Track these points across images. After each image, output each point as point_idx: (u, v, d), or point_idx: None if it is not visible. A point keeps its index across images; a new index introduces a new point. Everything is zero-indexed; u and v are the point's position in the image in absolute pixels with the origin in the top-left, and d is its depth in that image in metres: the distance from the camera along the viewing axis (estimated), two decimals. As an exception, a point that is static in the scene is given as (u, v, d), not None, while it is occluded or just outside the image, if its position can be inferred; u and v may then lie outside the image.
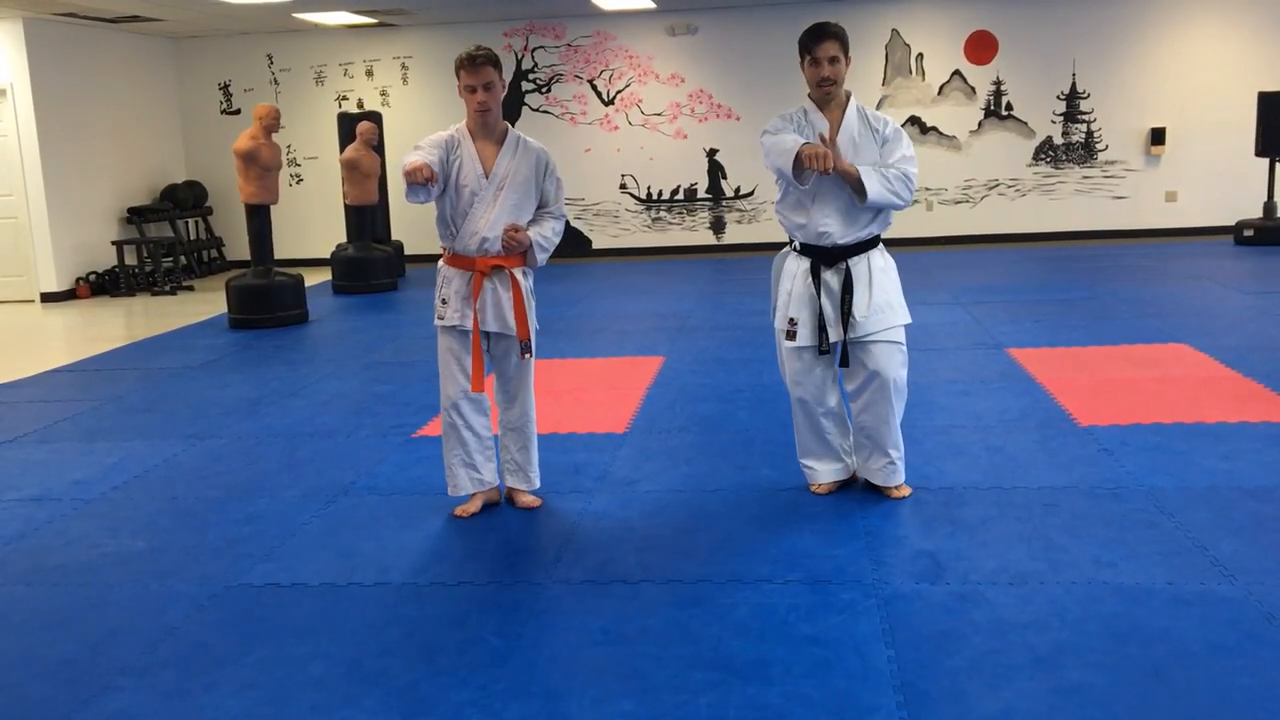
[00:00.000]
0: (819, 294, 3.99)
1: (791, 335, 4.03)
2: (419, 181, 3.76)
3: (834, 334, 3.99)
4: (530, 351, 4.07)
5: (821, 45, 3.88)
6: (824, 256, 4.00)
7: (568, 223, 12.42)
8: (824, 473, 4.22)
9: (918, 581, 3.41)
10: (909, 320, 4.06)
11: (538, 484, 4.26)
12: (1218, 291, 8.43)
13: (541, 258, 4.07)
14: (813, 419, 4.14)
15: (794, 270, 4.07)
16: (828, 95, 3.94)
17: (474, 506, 4.16)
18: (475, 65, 3.87)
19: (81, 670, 3.07)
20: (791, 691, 2.78)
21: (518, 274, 4.04)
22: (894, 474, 4.13)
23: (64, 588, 3.68)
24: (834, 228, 3.95)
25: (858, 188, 3.84)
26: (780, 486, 4.36)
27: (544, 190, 4.07)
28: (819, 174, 3.79)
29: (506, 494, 4.29)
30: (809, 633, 3.10)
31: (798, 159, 3.75)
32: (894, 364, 3.99)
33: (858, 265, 3.99)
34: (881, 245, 4.09)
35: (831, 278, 4.00)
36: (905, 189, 3.88)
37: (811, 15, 11.55)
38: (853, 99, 4.00)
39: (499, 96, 3.95)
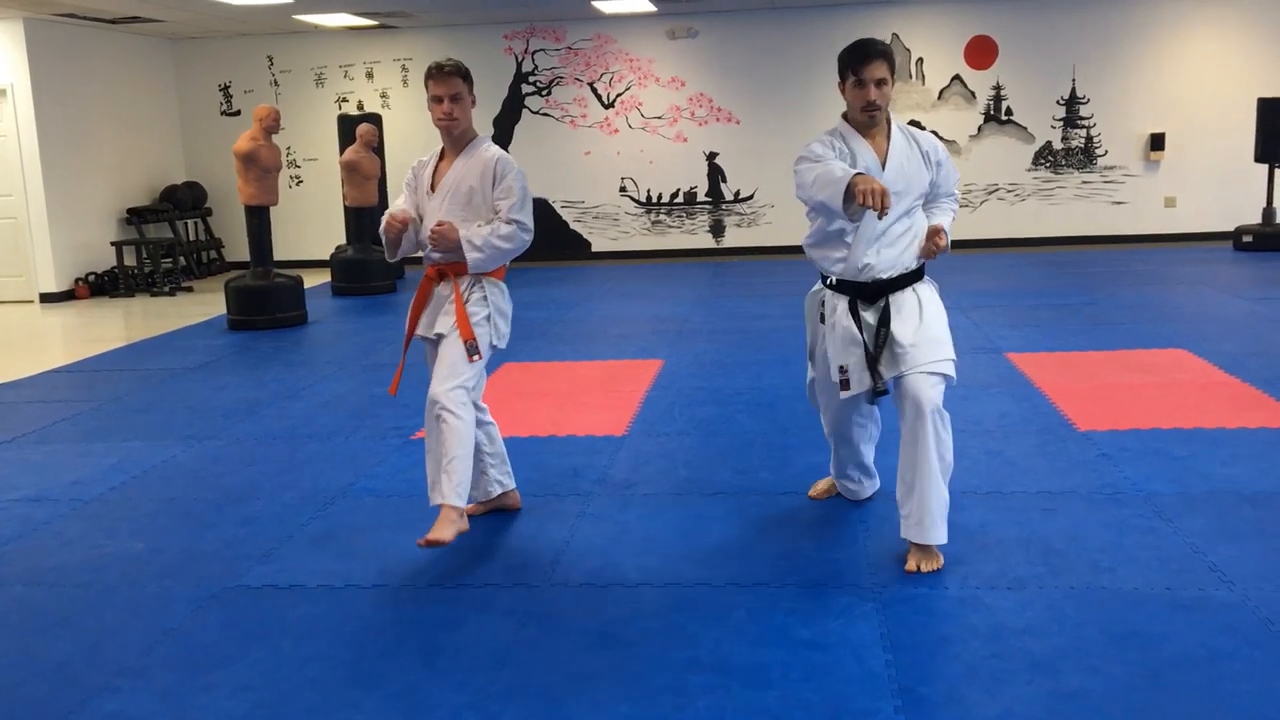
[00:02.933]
0: (861, 332, 3.58)
1: (845, 385, 3.62)
2: (392, 235, 3.82)
3: (888, 371, 3.56)
4: (478, 353, 3.75)
5: (869, 66, 3.48)
6: (863, 292, 3.60)
7: (567, 226, 12.49)
8: (867, 489, 4.14)
9: (916, 586, 3.41)
10: (955, 357, 3.59)
11: (442, 500, 3.67)
12: (1217, 297, 8.43)
13: (474, 258, 3.72)
14: (852, 447, 3.98)
15: (832, 309, 3.66)
16: (872, 120, 3.54)
17: (473, 508, 4.15)
18: (442, 74, 3.75)
19: (79, 671, 3.07)
20: (790, 696, 2.78)
21: (465, 281, 3.81)
22: (919, 529, 3.52)
23: (62, 588, 3.67)
24: (876, 259, 3.55)
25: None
26: (779, 490, 4.36)
27: (495, 200, 3.80)
28: (872, 221, 3.44)
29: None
30: (807, 637, 3.10)
31: (849, 192, 3.24)
32: (938, 397, 3.49)
33: (901, 297, 3.59)
34: (927, 276, 3.70)
35: (870, 315, 3.59)
36: (955, 205, 3.77)
37: (812, 19, 11.65)
38: (894, 121, 3.63)
39: (467, 109, 3.82)
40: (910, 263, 3.60)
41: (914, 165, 3.57)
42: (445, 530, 3.62)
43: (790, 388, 6.02)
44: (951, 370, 3.57)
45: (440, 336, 3.82)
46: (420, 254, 3.92)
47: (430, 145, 4.11)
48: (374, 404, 6.02)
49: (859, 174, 3.27)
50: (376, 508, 4.35)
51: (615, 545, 3.85)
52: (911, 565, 3.51)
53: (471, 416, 3.77)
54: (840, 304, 3.64)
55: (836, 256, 3.61)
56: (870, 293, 3.59)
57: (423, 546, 3.61)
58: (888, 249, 3.56)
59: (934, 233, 3.60)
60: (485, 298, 3.84)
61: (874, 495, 4.18)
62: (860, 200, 3.17)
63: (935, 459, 3.47)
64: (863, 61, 3.48)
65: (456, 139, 3.85)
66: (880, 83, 3.48)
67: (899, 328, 3.54)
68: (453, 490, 3.67)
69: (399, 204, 3.97)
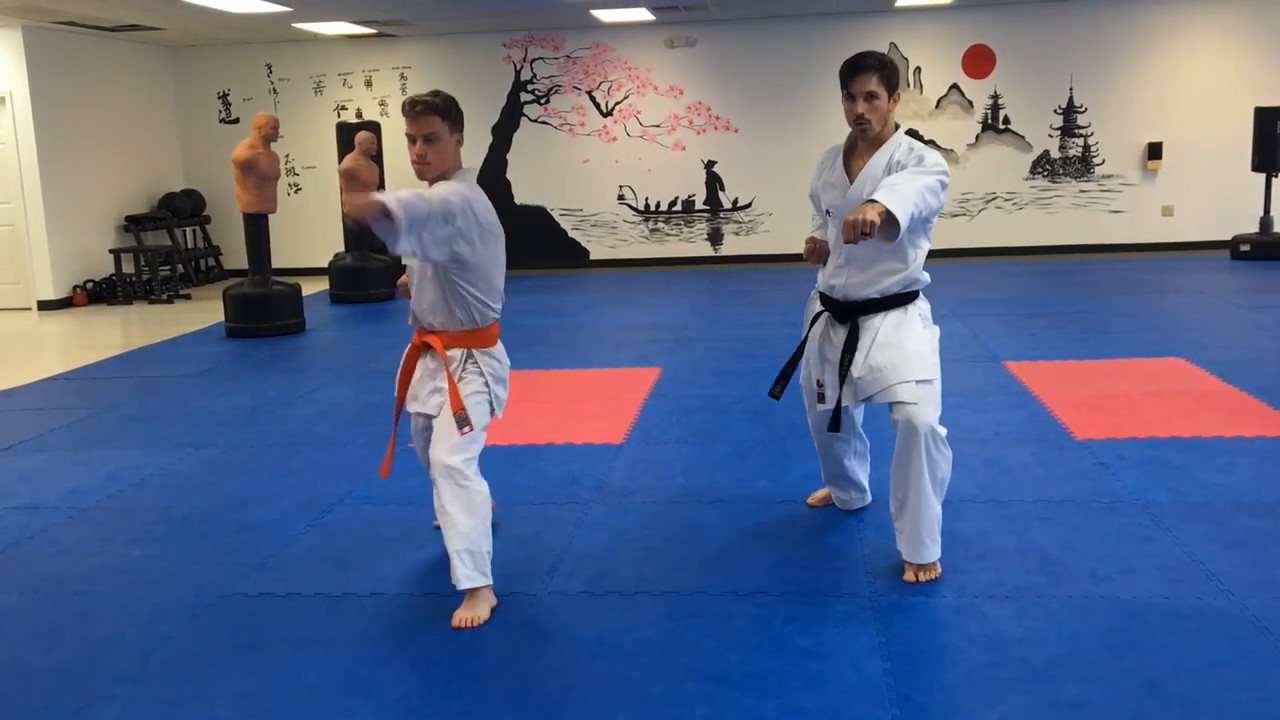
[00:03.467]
0: (825, 348, 3.68)
1: (821, 398, 3.72)
2: (404, 294, 3.63)
3: (852, 395, 3.57)
4: (469, 425, 3.35)
5: (856, 79, 3.39)
6: (833, 309, 3.64)
7: (565, 233, 12.50)
8: (852, 500, 4.14)
9: (914, 594, 3.41)
10: (926, 376, 3.45)
11: (458, 583, 3.32)
12: (1214, 306, 8.44)
13: (402, 227, 3.02)
14: (831, 456, 4.03)
15: (814, 318, 3.75)
16: (864, 134, 3.47)
17: None
18: (414, 113, 3.28)
19: (75, 679, 3.06)
20: (787, 704, 2.77)
21: (455, 354, 3.44)
22: (909, 546, 3.52)
23: (58, 596, 3.66)
24: (843, 280, 3.57)
25: (890, 223, 3.16)
26: (777, 498, 4.36)
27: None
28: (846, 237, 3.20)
29: None
30: (805, 645, 3.09)
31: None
32: (911, 422, 3.40)
33: (868, 322, 3.55)
34: (918, 300, 3.60)
35: (837, 335, 3.62)
36: (927, 179, 3.28)
37: (809, 28, 11.67)
38: (898, 136, 3.48)
39: (445, 151, 3.34)
40: (886, 289, 3.53)
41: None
42: (480, 609, 3.34)
43: (788, 396, 5.97)
44: (910, 395, 3.41)
45: (430, 417, 3.47)
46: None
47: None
48: (372, 412, 6.02)
49: (809, 240, 3.68)
50: (374, 516, 4.34)
51: (613, 553, 3.85)
52: (909, 576, 3.51)
53: (482, 484, 3.40)
54: (822, 316, 3.71)
55: (819, 266, 3.73)
56: (839, 311, 3.61)
57: (455, 628, 3.30)
58: (857, 273, 3.54)
59: (861, 210, 3.14)
60: (480, 371, 3.45)
61: (868, 506, 4.18)
62: (844, 236, 3.14)
63: (926, 479, 3.43)
64: (852, 73, 3.41)
65: (433, 184, 3.36)
66: (870, 96, 3.38)
67: (859, 355, 3.52)
68: (478, 572, 3.34)
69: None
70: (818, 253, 3.67)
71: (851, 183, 3.48)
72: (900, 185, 3.22)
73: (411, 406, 3.57)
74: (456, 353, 3.44)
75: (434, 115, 3.30)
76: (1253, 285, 9.42)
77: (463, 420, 3.34)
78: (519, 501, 4.36)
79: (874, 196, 3.18)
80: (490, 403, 3.49)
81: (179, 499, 4.65)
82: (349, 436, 5.54)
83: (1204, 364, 6.34)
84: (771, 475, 4.65)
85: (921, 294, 3.62)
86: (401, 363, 3.62)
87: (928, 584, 3.47)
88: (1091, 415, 5.34)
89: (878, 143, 3.48)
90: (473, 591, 3.35)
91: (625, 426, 5.52)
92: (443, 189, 3.27)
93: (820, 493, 4.26)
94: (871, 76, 3.38)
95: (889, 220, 3.14)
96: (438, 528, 4.10)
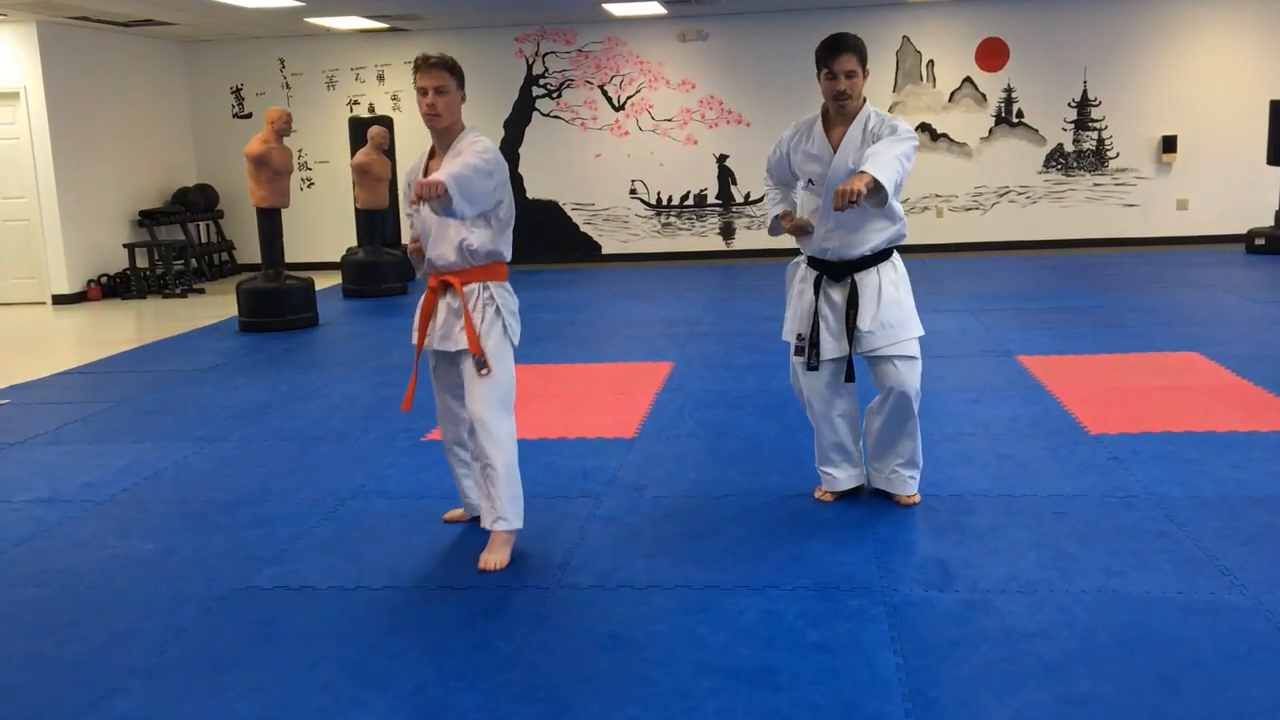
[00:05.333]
0: (823, 307, 3.96)
1: (800, 351, 4.02)
2: (417, 257, 3.85)
3: (836, 349, 3.94)
4: (486, 367, 3.67)
5: (838, 59, 3.76)
6: (829, 270, 3.96)
7: (577, 228, 12.50)
8: (843, 480, 4.19)
9: (926, 589, 3.41)
10: (921, 332, 3.97)
11: (509, 525, 3.72)
12: (1229, 300, 8.40)
13: (460, 202, 3.45)
14: (829, 424, 4.11)
15: (802, 279, 4.06)
16: (842, 109, 3.83)
17: (462, 515, 4.16)
18: (429, 66, 3.64)
19: (90, 672, 3.08)
20: (799, 698, 2.77)
21: (471, 289, 3.72)
22: (910, 483, 4.12)
23: (73, 589, 3.69)
24: (835, 243, 3.90)
25: (875, 190, 3.55)
26: (788, 492, 4.36)
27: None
28: (829, 202, 3.71)
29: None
30: (817, 640, 3.09)
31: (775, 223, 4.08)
32: (912, 377, 3.93)
33: (865, 279, 3.91)
34: (895, 256, 4.00)
35: (836, 292, 3.95)
36: (904, 145, 3.65)
37: (822, 21, 11.63)
38: (867, 108, 3.86)
39: (453, 104, 3.67)
40: (877, 245, 3.89)
41: (863, 154, 3.72)
42: (504, 553, 3.73)
43: (789, 393, 6.00)
44: (915, 350, 3.94)
45: (458, 352, 3.74)
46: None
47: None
48: (385, 406, 6.03)
49: (783, 215, 4.02)
50: (387, 510, 4.36)
51: (625, 547, 3.85)
52: (910, 501, 4.12)
53: (512, 428, 3.75)
54: (809, 277, 4.00)
55: (804, 238, 4.01)
56: (837, 272, 3.93)
57: (483, 570, 3.68)
58: (848, 234, 3.87)
59: (850, 181, 3.50)
60: (498, 307, 3.73)
61: (858, 489, 4.21)
62: (788, 230, 4.00)
63: (916, 429, 4.02)
64: (833, 54, 3.76)
65: (442, 134, 3.72)
66: (849, 74, 3.76)
67: (865, 311, 3.88)
68: (519, 517, 3.76)
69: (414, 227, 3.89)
70: (799, 227, 3.99)
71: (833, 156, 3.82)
72: (882, 154, 3.59)
73: (442, 345, 3.77)
74: (474, 287, 3.74)
75: (444, 69, 3.65)
76: (1268, 279, 9.37)
77: (481, 363, 3.68)
78: (531, 495, 4.35)
79: (861, 168, 3.55)
80: (510, 341, 3.78)
81: (193, 493, 4.68)
82: (362, 430, 5.55)
83: (1219, 358, 6.31)
84: (783, 470, 4.65)
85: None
86: (420, 305, 3.83)
87: (940, 578, 3.47)
88: (1105, 410, 5.33)
89: (851, 115, 3.83)
90: (501, 537, 3.72)
91: (637, 421, 5.52)
92: (473, 151, 3.60)
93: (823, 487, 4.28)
94: (851, 56, 3.76)
95: (875, 189, 3.53)
96: (447, 521, 4.13)
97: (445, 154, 3.71)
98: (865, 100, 3.89)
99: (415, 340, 3.86)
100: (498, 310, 3.73)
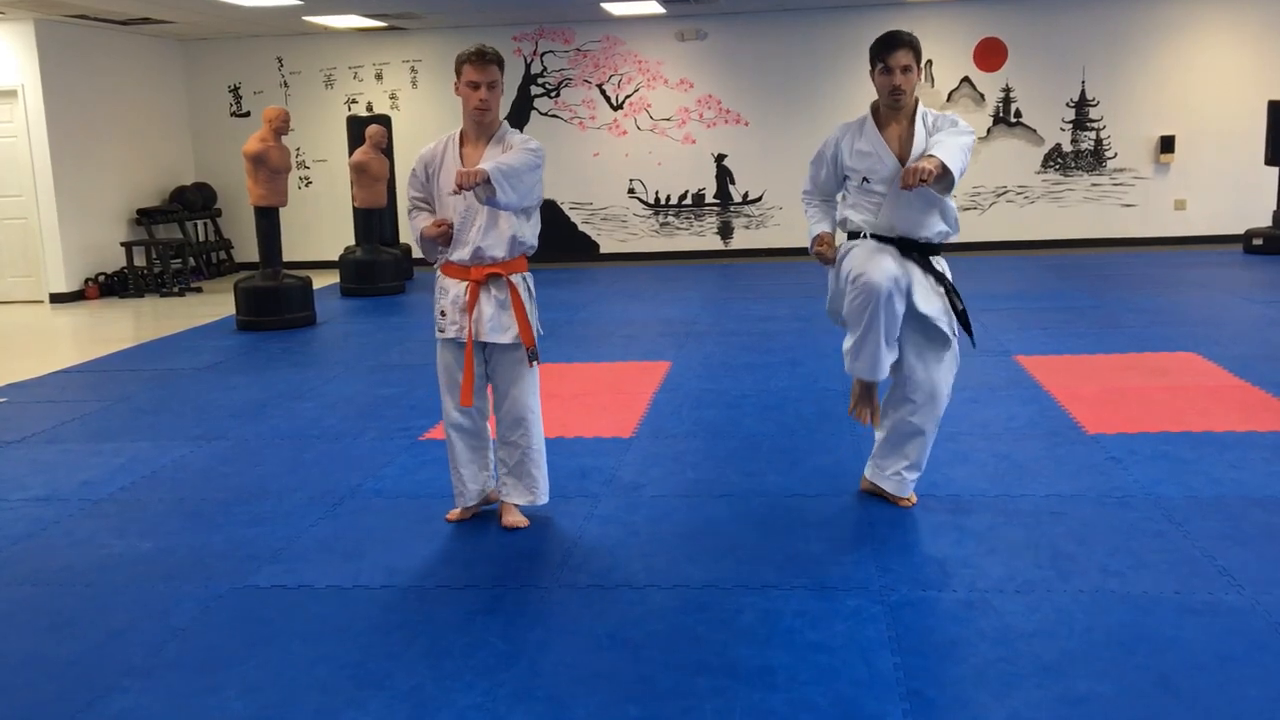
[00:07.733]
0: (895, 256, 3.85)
1: (862, 235, 3.90)
2: (443, 241, 3.86)
3: (913, 307, 3.83)
4: (536, 358, 3.95)
5: (895, 54, 3.77)
6: (900, 245, 3.89)
7: (575, 227, 12.50)
8: (885, 363, 3.91)
9: (924, 589, 3.41)
10: (954, 333, 3.96)
11: (544, 499, 4.10)
12: (1226, 300, 8.40)
13: (505, 192, 3.61)
14: (890, 310, 3.79)
15: (864, 240, 3.92)
16: (898, 104, 3.83)
17: (462, 514, 4.16)
18: (484, 61, 3.75)
19: (87, 671, 3.07)
20: (797, 698, 2.77)
21: (515, 279, 3.91)
22: (910, 485, 4.13)
23: (70, 588, 3.68)
24: (901, 225, 3.87)
25: (943, 175, 3.58)
26: (787, 492, 4.36)
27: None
28: (894, 193, 3.79)
29: (499, 509, 4.15)
30: (815, 639, 3.09)
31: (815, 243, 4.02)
32: (949, 380, 3.98)
33: (936, 260, 3.92)
34: (940, 256, 3.97)
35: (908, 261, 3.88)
36: (966, 138, 3.71)
37: (821, 21, 11.64)
38: (920, 105, 3.88)
39: (499, 97, 3.84)
40: (939, 232, 3.88)
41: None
42: (522, 515, 4.09)
43: (798, 389, 6.01)
44: (954, 345, 3.97)
45: (501, 345, 3.91)
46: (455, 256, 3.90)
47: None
48: (382, 405, 6.03)
49: (819, 236, 3.99)
50: (384, 509, 4.35)
51: (623, 547, 3.85)
52: (905, 504, 4.12)
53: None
54: (873, 241, 3.90)
55: (865, 219, 3.92)
56: (905, 246, 3.89)
57: (511, 528, 4.03)
58: (909, 219, 3.85)
59: (921, 161, 3.58)
60: (531, 293, 3.98)
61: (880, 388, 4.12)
62: (817, 258, 4.02)
63: (933, 433, 4.05)
64: (890, 49, 3.78)
65: (486, 126, 3.85)
66: (905, 69, 3.77)
67: (940, 285, 3.88)
68: (547, 489, 4.13)
69: (423, 219, 3.92)
70: (826, 260, 4.00)
71: (892, 148, 3.82)
72: (948, 143, 3.64)
73: (493, 336, 3.88)
74: (518, 278, 3.93)
75: (496, 65, 3.79)
76: (1266, 280, 9.38)
77: (533, 355, 3.93)
78: (529, 495, 4.36)
79: (931, 153, 3.60)
80: (538, 326, 4.02)
81: (190, 491, 4.67)
82: (360, 429, 5.55)
83: (1216, 359, 6.31)
84: (781, 469, 4.65)
85: None
86: (466, 296, 3.88)
87: (938, 578, 3.47)
88: (1103, 410, 5.33)
89: (907, 111, 3.85)
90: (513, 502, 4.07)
91: (635, 420, 5.52)
92: (525, 148, 3.76)
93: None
94: (908, 51, 3.79)
95: (943, 172, 3.57)
96: (450, 521, 4.13)
97: (485, 144, 3.84)
98: (918, 99, 3.91)
99: (451, 333, 3.92)
100: (533, 301, 3.99)
